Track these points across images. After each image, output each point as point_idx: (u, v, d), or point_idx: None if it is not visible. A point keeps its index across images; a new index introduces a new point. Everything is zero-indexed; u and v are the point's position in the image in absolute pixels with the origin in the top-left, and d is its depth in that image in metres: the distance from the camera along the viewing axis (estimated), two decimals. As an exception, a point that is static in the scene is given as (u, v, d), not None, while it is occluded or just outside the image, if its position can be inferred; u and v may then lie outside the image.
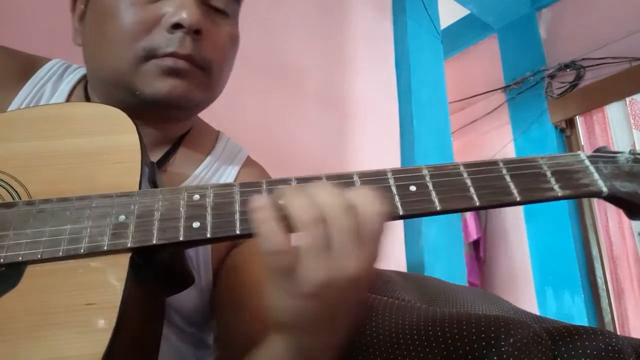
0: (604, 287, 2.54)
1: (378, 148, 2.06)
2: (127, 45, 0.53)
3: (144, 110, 0.57)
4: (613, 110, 2.63)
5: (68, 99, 0.61)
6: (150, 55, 0.53)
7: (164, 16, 0.53)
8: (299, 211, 0.35)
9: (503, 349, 0.68)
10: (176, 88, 0.54)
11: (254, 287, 0.58)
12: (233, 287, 0.59)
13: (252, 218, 0.36)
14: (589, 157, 0.44)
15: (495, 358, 0.68)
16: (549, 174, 0.42)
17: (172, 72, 0.54)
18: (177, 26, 0.53)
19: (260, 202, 0.36)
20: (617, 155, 0.44)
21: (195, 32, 0.54)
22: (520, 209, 2.85)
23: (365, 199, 0.36)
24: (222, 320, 0.59)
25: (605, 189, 0.41)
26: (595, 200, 2.67)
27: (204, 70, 0.57)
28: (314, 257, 0.35)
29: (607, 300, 2.51)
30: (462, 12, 3.09)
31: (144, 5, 0.54)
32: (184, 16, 0.52)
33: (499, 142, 3.00)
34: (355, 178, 0.40)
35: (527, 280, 2.73)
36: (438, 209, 0.39)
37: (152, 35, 0.53)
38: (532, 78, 2.91)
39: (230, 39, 0.61)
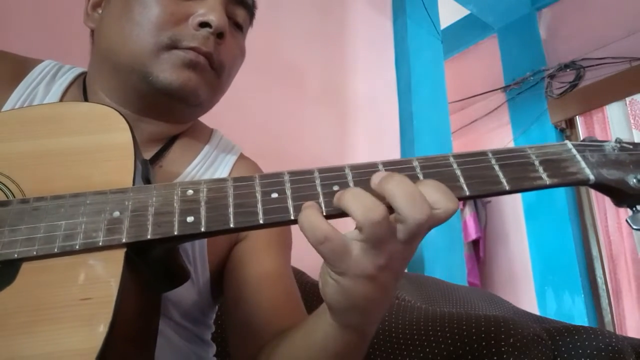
0: (604, 287, 2.54)
1: (378, 148, 2.06)
2: (153, 31, 0.56)
3: (149, 100, 0.58)
4: (613, 110, 2.64)
5: (61, 100, 0.61)
6: (174, 45, 0.56)
7: (193, 14, 0.57)
8: (365, 207, 0.35)
9: (503, 349, 0.68)
10: (190, 80, 0.57)
11: (268, 278, 0.59)
12: (244, 281, 0.60)
13: (300, 217, 0.36)
14: (576, 145, 0.44)
15: (495, 358, 0.68)
16: (537, 163, 0.42)
17: (190, 65, 0.57)
18: (204, 25, 0.57)
19: (308, 203, 0.37)
20: (604, 143, 0.44)
21: (219, 36, 0.58)
22: (520, 208, 2.85)
23: (439, 195, 0.36)
24: (236, 315, 0.60)
25: (592, 177, 0.41)
26: (595, 200, 2.67)
27: (216, 72, 0.60)
28: (377, 245, 0.35)
29: (607, 300, 2.51)
30: (462, 12, 3.09)
31: (176, 0, 0.58)
32: (212, 18, 0.57)
33: (499, 142, 3.00)
34: (347, 171, 0.40)
35: (527, 280, 2.73)
36: None
37: (179, 28, 0.57)
38: (532, 78, 2.91)
39: (240, 52, 0.66)
